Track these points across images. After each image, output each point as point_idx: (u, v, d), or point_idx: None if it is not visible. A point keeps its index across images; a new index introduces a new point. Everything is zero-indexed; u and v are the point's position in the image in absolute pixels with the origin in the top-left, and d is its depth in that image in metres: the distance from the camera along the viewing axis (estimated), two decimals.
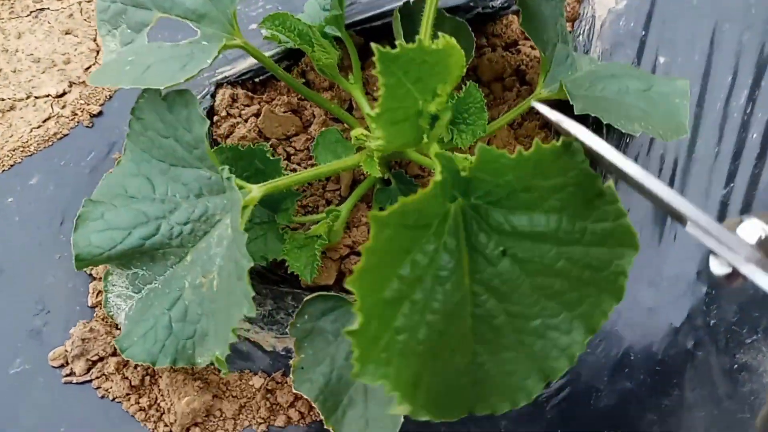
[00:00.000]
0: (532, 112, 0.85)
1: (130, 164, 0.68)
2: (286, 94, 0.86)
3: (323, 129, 0.79)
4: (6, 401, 0.70)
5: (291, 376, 0.65)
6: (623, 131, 0.68)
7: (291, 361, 0.66)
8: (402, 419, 0.63)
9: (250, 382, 0.73)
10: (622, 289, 0.50)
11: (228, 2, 0.68)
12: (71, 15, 0.91)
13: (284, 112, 0.84)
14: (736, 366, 0.79)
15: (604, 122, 0.66)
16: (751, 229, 0.42)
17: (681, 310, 0.78)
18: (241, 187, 0.61)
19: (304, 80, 0.87)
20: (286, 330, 0.74)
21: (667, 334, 0.78)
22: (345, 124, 0.83)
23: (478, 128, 0.67)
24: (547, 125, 0.86)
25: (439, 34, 0.51)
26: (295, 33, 0.72)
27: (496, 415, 0.56)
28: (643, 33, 0.88)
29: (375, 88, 0.85)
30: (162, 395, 0.70)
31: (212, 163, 0.63)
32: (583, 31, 0.90)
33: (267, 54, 0.81)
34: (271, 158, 0.70)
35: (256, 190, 0.62)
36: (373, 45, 0.46)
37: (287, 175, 0.68)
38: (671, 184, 0.83)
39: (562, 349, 0.52)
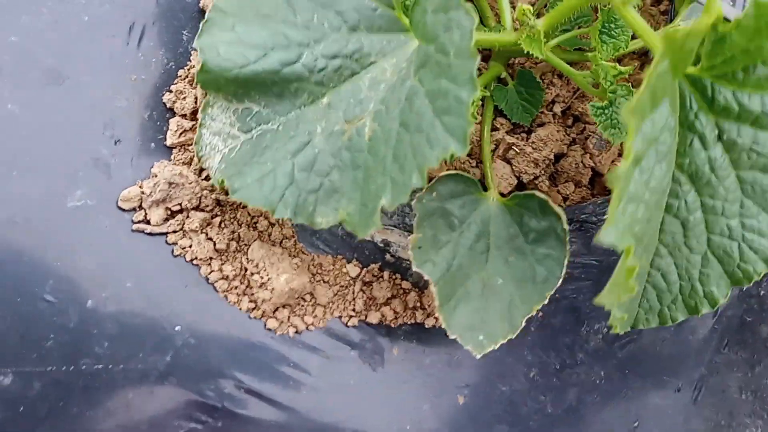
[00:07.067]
0: None
1: None
2: None
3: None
4: (62, 239, 0.56)
5: (410, 252, 0.58)
6: None
7: (409, 238, 0.59)
8: (523, 323, 0.58)
9: (344, 269, 0.65)
10: None
11: None
12: None
13: None
14: None
15: None
16: None
17: None
18: None
19: None
20: (391, 219, 0.66)
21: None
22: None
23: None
24: None
25: None
26: None
27: None
28: None
29: None
30: (254, 267, 0.60)
31: None
32: None
33: None
34: None
35: None
36: None
37: None
38: None
39: (757, 251, 0.49)
